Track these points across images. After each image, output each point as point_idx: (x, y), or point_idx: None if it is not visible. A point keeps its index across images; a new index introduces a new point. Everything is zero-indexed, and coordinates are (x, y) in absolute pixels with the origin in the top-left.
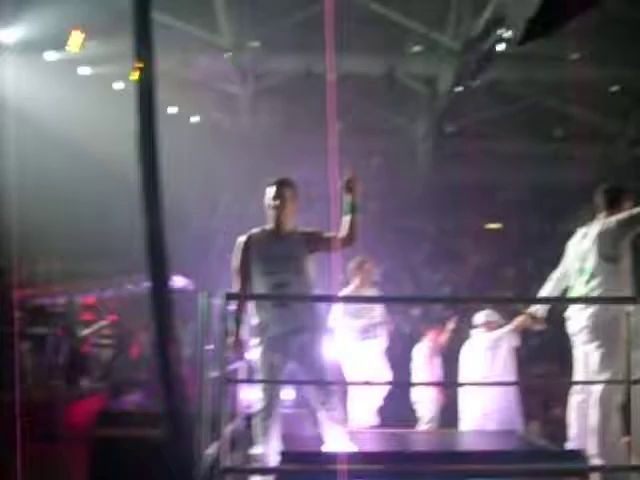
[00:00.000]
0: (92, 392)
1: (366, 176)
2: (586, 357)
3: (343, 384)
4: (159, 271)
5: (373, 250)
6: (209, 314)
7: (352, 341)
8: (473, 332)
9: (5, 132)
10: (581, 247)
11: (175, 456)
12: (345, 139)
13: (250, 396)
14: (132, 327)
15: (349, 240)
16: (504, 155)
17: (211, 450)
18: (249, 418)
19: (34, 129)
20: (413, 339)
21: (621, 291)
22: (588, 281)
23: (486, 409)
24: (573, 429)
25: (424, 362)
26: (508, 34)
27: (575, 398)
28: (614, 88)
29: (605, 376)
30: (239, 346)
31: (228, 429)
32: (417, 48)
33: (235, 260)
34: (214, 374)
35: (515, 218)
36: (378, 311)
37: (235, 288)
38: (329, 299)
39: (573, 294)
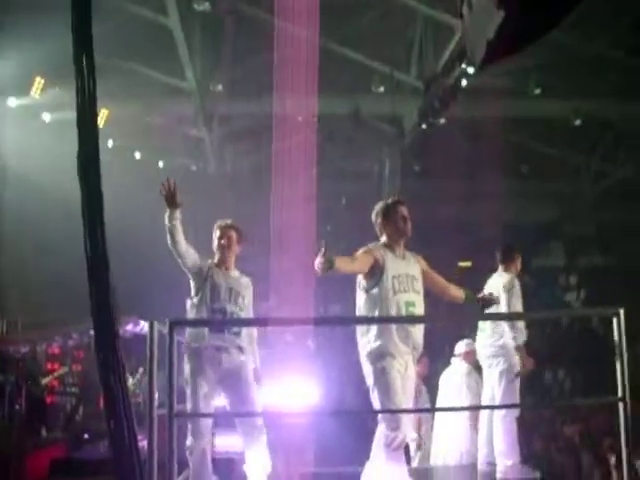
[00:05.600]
0: (52, 442)
1: (334, 218)
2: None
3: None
4: (103, 309)
5: (340, 290)
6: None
7: None
8: (453, 360)
9: None
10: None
11: None
12: (312, 182)
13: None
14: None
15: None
16: (472, 193)
17: None
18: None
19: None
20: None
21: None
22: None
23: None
24: None
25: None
26: (471, 69)
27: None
28: (577, 122)
29: None
30: None
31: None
32: (382, 88)
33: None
34: (161, 411)
35: (485, 255)
36: None
37: None
38: None
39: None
